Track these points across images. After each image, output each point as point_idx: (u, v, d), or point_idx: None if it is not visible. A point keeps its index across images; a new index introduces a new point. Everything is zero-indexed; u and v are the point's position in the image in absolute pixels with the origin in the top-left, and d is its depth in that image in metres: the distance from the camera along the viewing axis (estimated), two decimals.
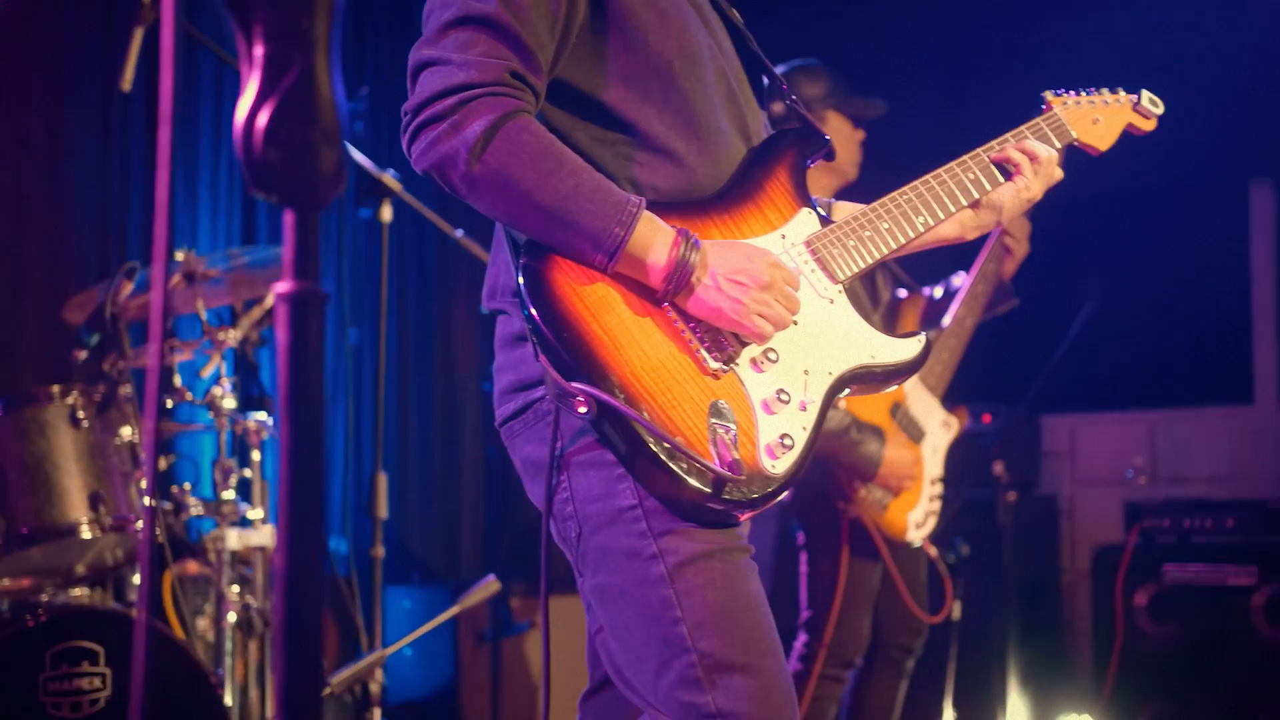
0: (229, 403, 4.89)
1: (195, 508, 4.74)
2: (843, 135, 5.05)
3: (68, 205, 6.27)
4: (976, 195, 2.96)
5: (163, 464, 5.13)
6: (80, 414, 4.38)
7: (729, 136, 2.78)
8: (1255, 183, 6.92)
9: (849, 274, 2.79)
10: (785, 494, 2.59)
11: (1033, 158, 2.97)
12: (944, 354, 5.09)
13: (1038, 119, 3.10)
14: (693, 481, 2.44)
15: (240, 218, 6.77)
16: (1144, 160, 6.74)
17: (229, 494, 4.85)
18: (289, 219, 1.47)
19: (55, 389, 4.40)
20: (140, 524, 4.45)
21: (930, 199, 2.92)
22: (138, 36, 4.79)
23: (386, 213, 5.08)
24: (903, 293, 5.31)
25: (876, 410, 4.97)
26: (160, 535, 4.51)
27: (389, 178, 5.11)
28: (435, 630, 6.20)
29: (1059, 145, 3.09)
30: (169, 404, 5.02)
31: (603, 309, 2.53)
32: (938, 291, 5.26)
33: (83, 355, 4.62)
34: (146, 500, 4.27)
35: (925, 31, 7.14)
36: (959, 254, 5.09)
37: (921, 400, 5.08)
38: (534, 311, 2.50)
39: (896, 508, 4.98)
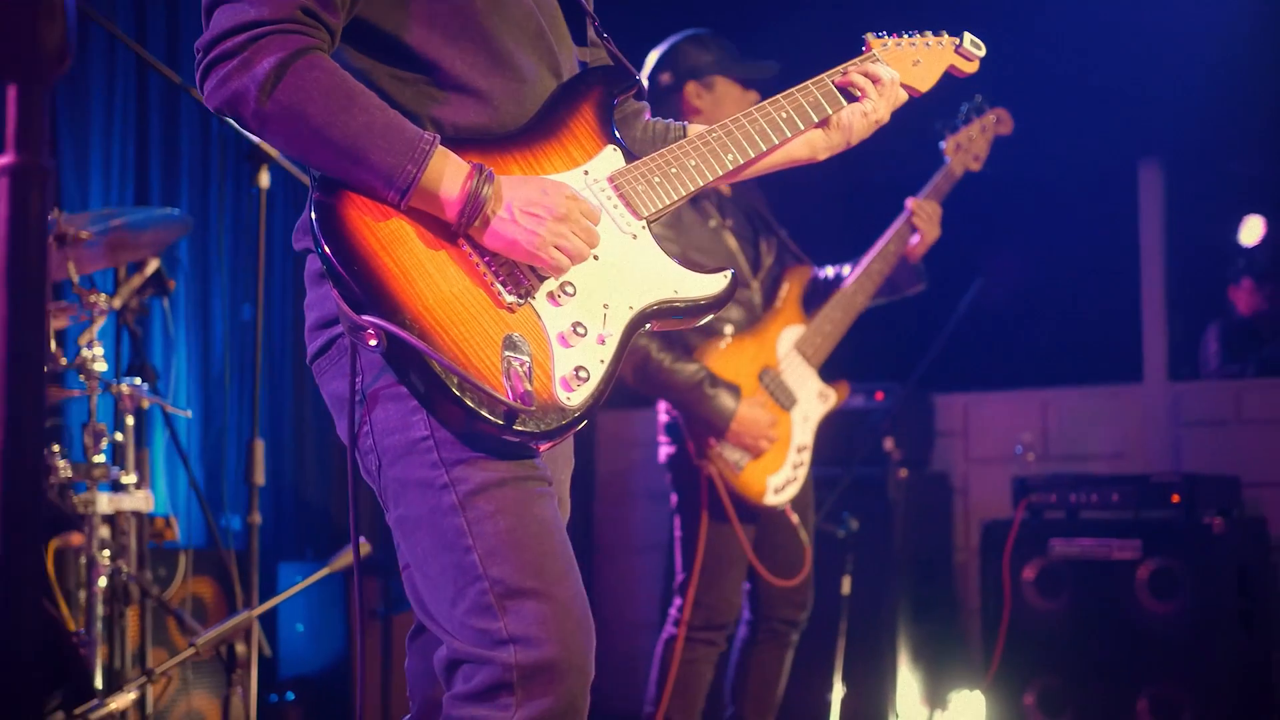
0: (99, 366, 4.85)
1: (64, 470, 4.69)
2: (732, 99, 5.10)
3: None
4: (816, 118, 3.01)
5: None
6: None
7: (536, 74, 2.80)
8: (1143, 161, 6.97)
9: (653, 210, 2.81)
10: (583, 424, 2.61)
11: (875, 80, 3.04)
12: (826, 326, 5.10)
13: (857, 59, 3.14)
14: (484, 413, 2.46)
15: (134, 184, 6.71)
16: (1035, 139, 6.83)
17: (99, 458, 4.81)
18: (11, 93, 1.45)
19: None
20: None
21: (754, 131, 2.96)
22: None
23: (264, 179, 5.04)
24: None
25: (743, 371, 5.01)
26: None
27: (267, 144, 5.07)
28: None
29: None
30: (44, 369, 4.96)
31: (396, 243, 2.53)
32: (829, 271, 5.28)
33: None
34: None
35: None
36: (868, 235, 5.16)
37: (796, 368, 5.08)
38: (325, 246, 2.50)
39: (755, 469, 4.97)
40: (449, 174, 2.54)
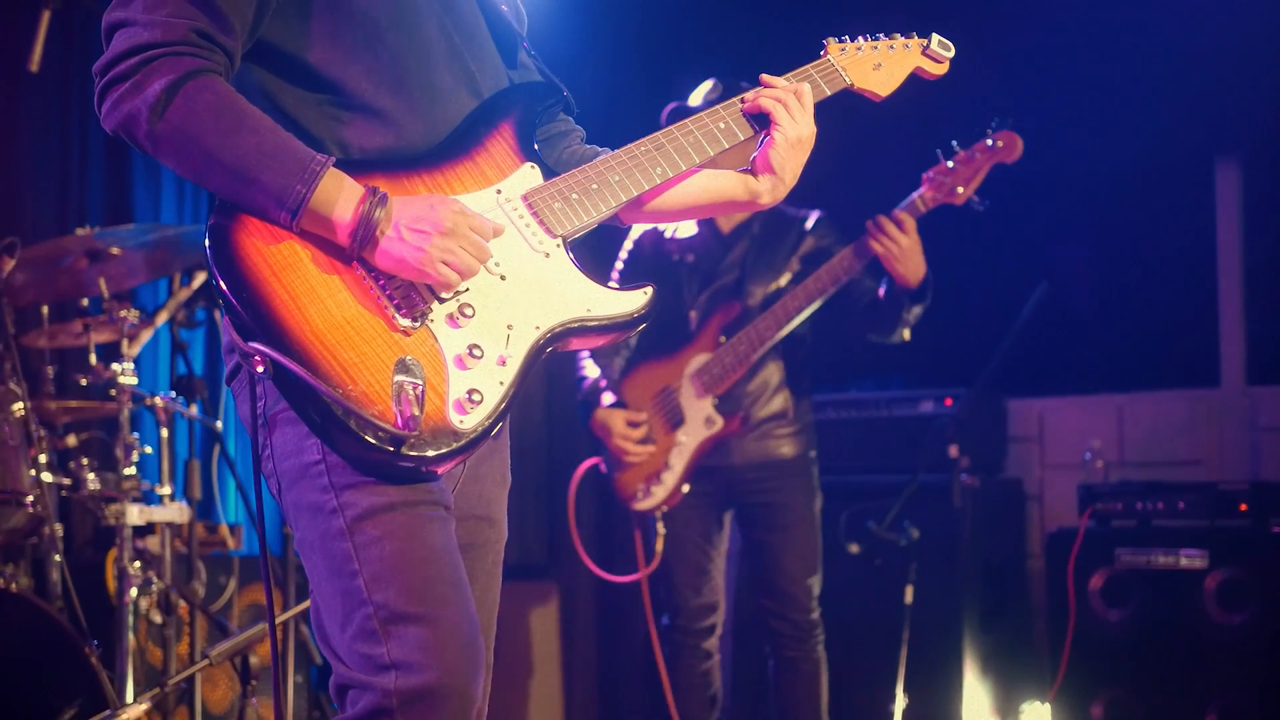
0: (129, 380, 4.93)
1: (93, 483, 4.78)
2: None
3: (25, 177, 6.35)
4: (726, 144, 2.95)
5: (73, 441, 5.18)
6: None
7: (450, 93, 2.78)
8: (1221, 161, 6.78)
9: (569, 227, 2.78)
10: (482, 445, 2.58)
11: (781, 103, 2.95)
12: (727, 357, 5.29)
13: (808, 65, 3.08)
14: (368, 438, 2.45)
15: (208, 196, 6.78)
16: (1109, 139, 6.69)
17: (130, 470, 4.89)
18: None
19: None
20: (32, 498, 4.52)
21: (672, 150, 2.91)
22: (45, 18, 4.87)
23: None
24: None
25: (644, 387, 5.43)
26: (48, 510, 4.55)
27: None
28: None
29: (829, 91, 3.07)
30: (83, 382, 5.08)
31: (287, 268, 2.53)
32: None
33: None
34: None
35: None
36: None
37: (691, 393, 5.35)
38: (216, 272, 2.52)
39: (626, 476, 5.40)
40: (343, 197, 2.53)
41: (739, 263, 5.42)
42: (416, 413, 2.45)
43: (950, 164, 5.02)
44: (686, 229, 5.49)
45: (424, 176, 2.70)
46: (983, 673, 6.39)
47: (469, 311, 2.62)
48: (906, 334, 5.32)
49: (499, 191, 2.76)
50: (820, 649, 5.44)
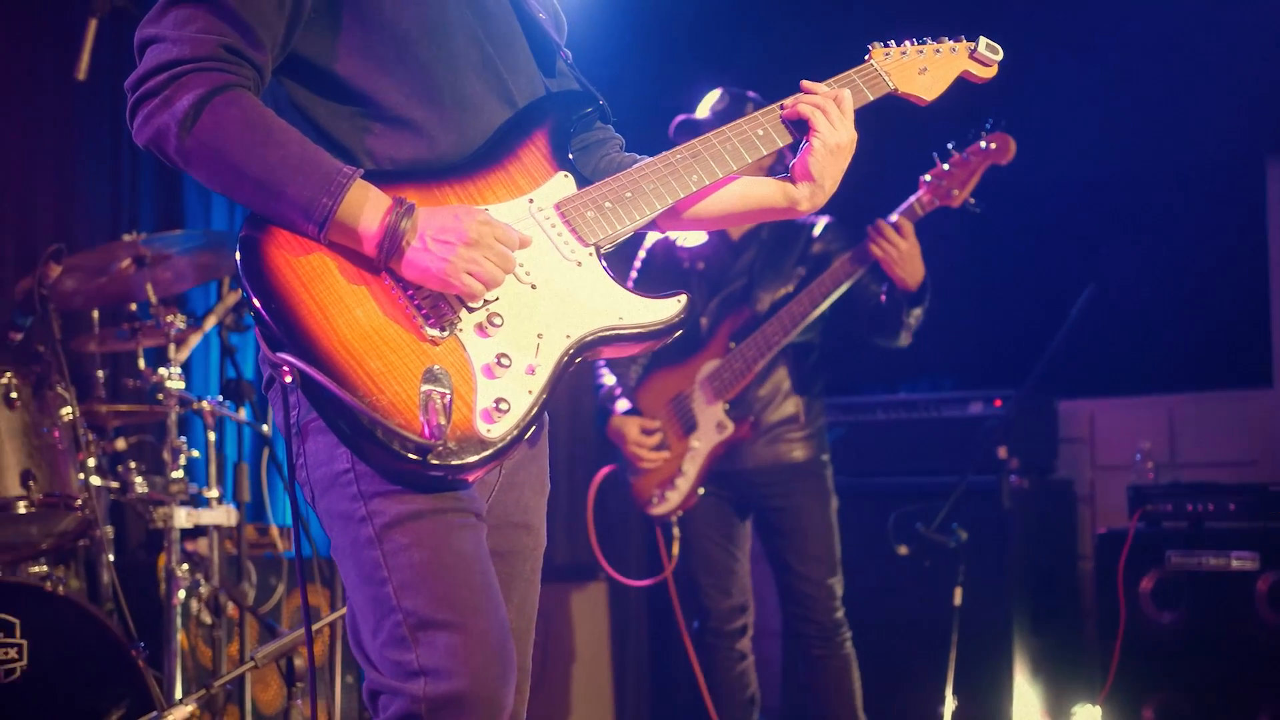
0: (175, 384, 4.98)
1: (140, 487, 4.83)
2: None
3: (79, 184, 6.42)
4: (765, 150, 2.94)
5: (122, 444, 5.24)
6: (14, 394, 4.50)
7: (482, 103, 2.79)
8: (1272, 160, 6.71)
9: (601, 235, 2.78)
10: (511, 453, 2.59)
11: (821, 109, 2.93)
12: (737, 363, 5.33)
13: (851, 70, 3.07)
14: (395, 447, 2.46)
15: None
16: (1159, 139, 6.65)
17: (178, 473, 4.94)
18: None
19: None
20: (81, 501, 4.57)
21: (708, 157, 2.91)
22: (92, 27, 4.92)
23: None
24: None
25: (658, 394, 5.49)
26: (96, 514, 4.60)
27: None
28: None
29: (872, 96, 3.06)
30: (132, 386, 5.14)
31: (316, 279, 2.55)
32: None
33: (18, 337, 4.74)
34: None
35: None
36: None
37: (702, 398, 5.40)
38: (246, 283, 2.54)
39: (643, 481, 5.47)
40: (369, 208, 2.54)
41: (747, 269, 5.46)
42: (443, 422, 2.46)
43: (946, 167, 5.05)
44: (697, 236, 5.53)
45: (455, 186, 2.71)
46: (1033, 675, 6.36)
47: (498, 320, 2.63)
48: (907, 338, 5.33)
49: (531, 200, 2.77)
50: (848, 645, 5.45)
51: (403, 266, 2.57)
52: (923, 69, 3.14)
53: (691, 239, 5.54)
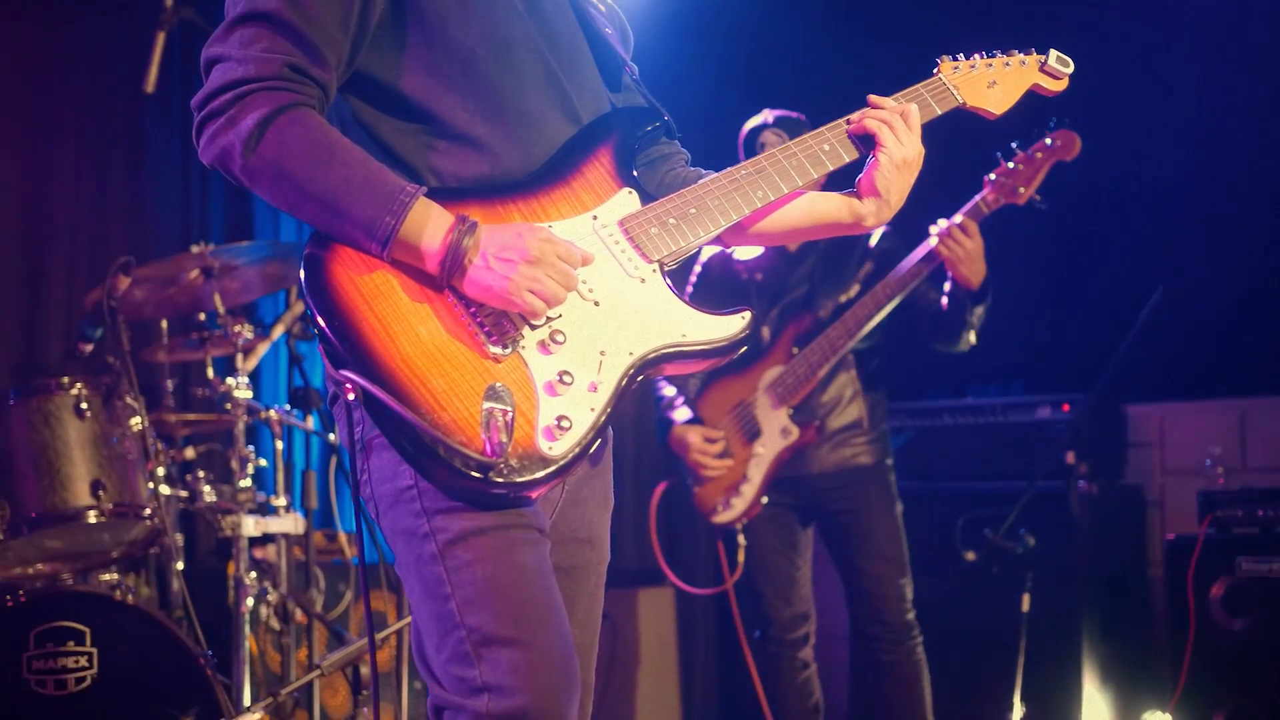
0: (243, 394, 5.03)
1: (209, 495, 4.89)
2: None
3: (149, 196, 6.49)
4: (831, 166, 2.94)
5: (191, 453, 5.29)
6: (84, 405, 4.57)
7: (546, 120, 2.80)
8: None
9: (665, 252, 2.78)
10: (573, 470, 2.60)
11: (887, 124, 2.93)
12: (801, 368, 5.33)
13: (919, 84, 3.07)
14: (456, 465, 2.47)
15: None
16: (1229, 140, 6.59)
17: (246, 482, 4.99)
18: None
19: (64, 380, 4.60)
20: (150, 510, 4.63)
21: (774, 173, 2.90)
22: (160, 40, 4.97)
23: None
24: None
25: (720, 402, 5.49)
26: (165, 522, 4.66)
27: None
28: None
29: (940, 111, 3.06)
30: (201, 395, 5.20)
31: (379, 296, 2.57)
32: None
33: (88, 348, 4.81)
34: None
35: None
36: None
37: (766, 404, 5.41)
38: (310, 301, 2.56)
39: (707, 490, 5.46)
40: (431, 226, 2.55)
41: (808, 277, 5.47)
42: (505, 440, 2.48)
43: (1011, 165, 5.05)
44: (753, 250, 5.55)
45: (519, 203, 2.73)
46: (1102, 682, 6.32)
47: (560, 338, 2.64)
48: (972, 337, 5.32)
49: (595, 217, 2.77)
50: (920, 649, 5.44)
51: (465, 284, 2.58)
52: (992, 82, 3.13)
53: (749, 251, 5.55)
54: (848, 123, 2.97)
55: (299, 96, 2.58)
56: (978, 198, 5.09)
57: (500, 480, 2.49)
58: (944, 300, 5.25)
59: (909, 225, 5.33)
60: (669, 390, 5.62)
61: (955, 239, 5.05)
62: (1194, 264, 6.80)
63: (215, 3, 6.03)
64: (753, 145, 5.37)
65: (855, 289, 5.40)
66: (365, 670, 4.48)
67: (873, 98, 3.00)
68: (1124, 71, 6.78)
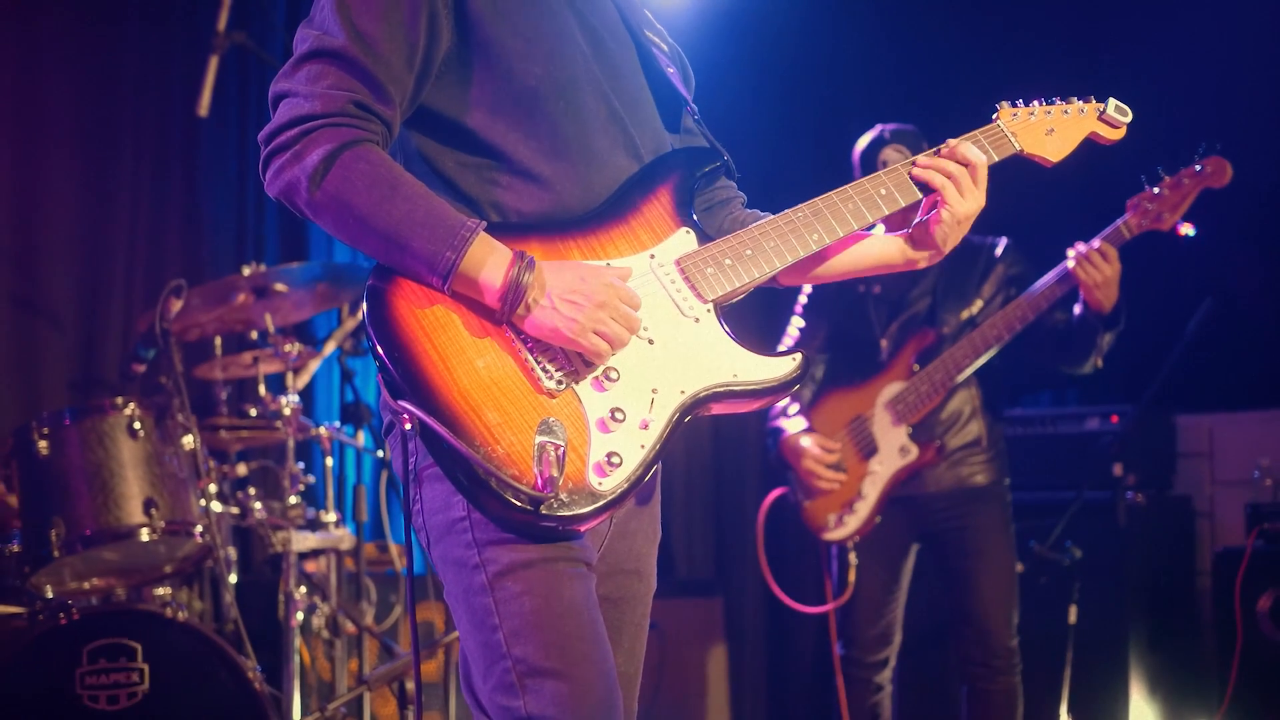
0: (293, 411, 5.12)
1: (259, 512, 4.98)
2: None
3: (206, 218, 6.60)
4: (887, 210, 2.96)
5: (243, 470, 5.39)
6: (137, 425, 4.67)
7: (607, 158, 2.85)
8: None
9: (720, 293, 2.82)
10: (623, 505, 2.65)
11: (954, 180, 2.94)
12: (923, 386, 5.28)
13: (977, 130, 3.07)
14: (507, 497, 2.52)
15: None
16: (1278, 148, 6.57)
17: (294, 499, 5.08)
18: None
19: (118, 400, 4.71)
20: (201, 528, 4.73)
21: (830, 216, 2.93)
22: (213, 64, 5.07)
23: None
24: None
25: (835, 416, 5.44)
26: (216, 539, 4.76)
27: None
28: None
29: (997, 158, 3.05)
30: (253, 413, 5.29)
31: (439, 329, 2.62)
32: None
33: (141, 369, 4.91)
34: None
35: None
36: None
37: (884, 421, 5.34)
38: (372, 332, 2.62)
39: (817, 505, 5.39)
40: (491, 261, 2.60)
41: (930, 290, 5.42)
42: (556, 474, 2.52)
43: (1156, 190, 4.98)
44: None
45: (578, 240, 2.77)
46: (1150, 693, 6.33)
47: (614, 375, 2.68)
48: (1099, 361, 5.30)
49: (652, 256, 2.81)
50: (1018, 679, 5.35)
51: (527, 323, 2.64)
52: (1050, 130, 3.13)
53: None
54: (914, 164, 2.99)
55: (363, 133, 2.64)
56: (1119, 222, 5.03)
57: (550, 514, 2.54)
58: (1071, 321, 5.22)
59: (1041, 248, 5.36)
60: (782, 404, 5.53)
61: (1094, 263, 5.00)
62: (1243, 274, 6.79)
63: (268, 27, 6.16)
64: (872, 162, 5.28)
65: (979, 305, 5.37)
66: (411, 685, 4.56)
67: (950, 142, 2.99)
68: (1175, 70, 6.78)
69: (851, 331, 5.46)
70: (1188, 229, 5.00)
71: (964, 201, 2.94)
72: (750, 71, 7.81)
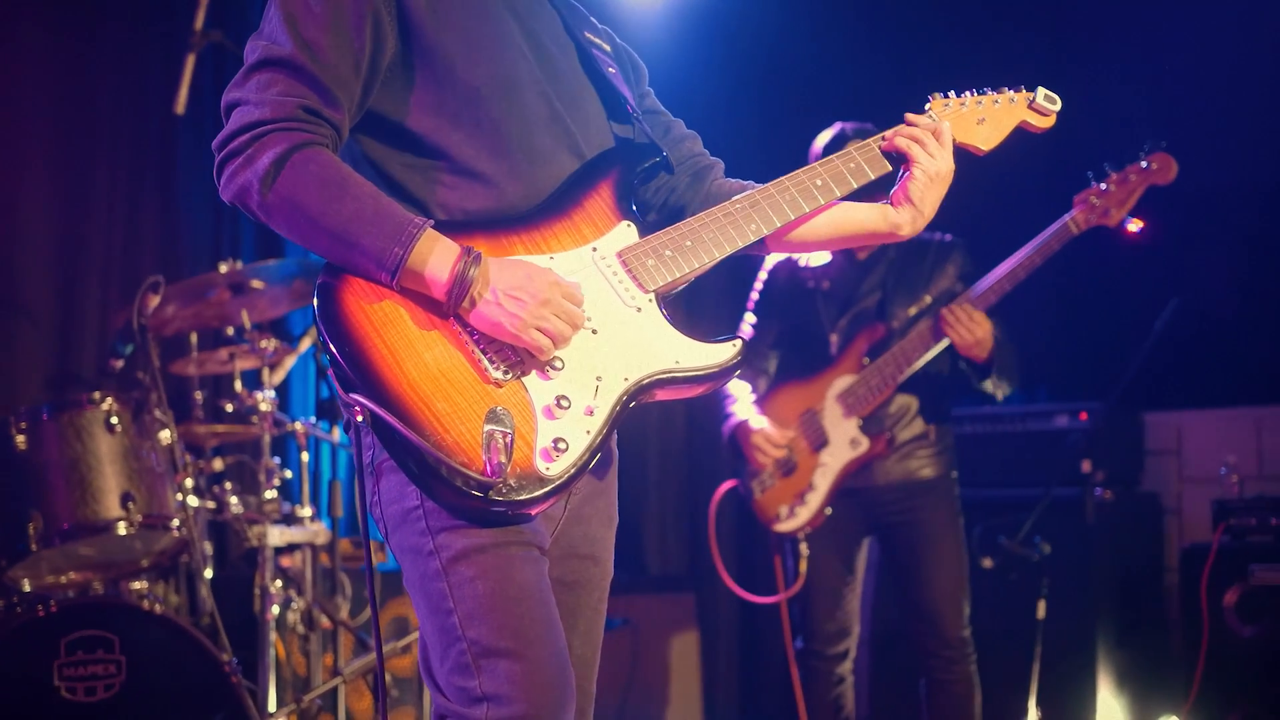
0: (269, 407, 5.16)
1: (236, 506, 5.02)
2: None
3: (182, 215, 6.62)
4: (855, 184, 3.07)
5: (219, 465, 5.43)
6: (115, 419, 4.72)
7: (550, 155, 2.94)
8: None
9: (661, 283, 2.90)
10: (569, 489, 2.73)
11: (919, 141, 3.06)
12: (873, 379, 5.31)
13: (911, 119, 3.15)
14: (458, 484, 2.60)
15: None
16: (1245, 147, 6.64)
17: (270, 494, 5.12)
18: None
19: (95, 395, 4.75)
20: (178, 522, 4.77)
21: (767, 206, 3.02)
22: (190, 62, 5.10)
23: None
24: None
25: (787, 408, 5.49)
26: (193, 533, 4.79)
27: None
28: None
29: None
30: (229, 408, 5.33)
31: (388, 324, 2.70)
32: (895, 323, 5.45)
33: (119, 364, 4.95)
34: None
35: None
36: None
37: (836, 414, 5.39)
38: (322, 328, 2.70)
39: (769, 496, 5.45)
40: (438, 257, 2.68)
41: (879, 285, 5.46)
42: (504, 460, 2.60)
43: (1103, 186, 5.03)
44: (820, 257, 5.56)
45: (522, 235, 2.86)
46: (1117, 688, 6.39)
47: (559, 364, 2.76)
48: (997, 395, 5.37)
49: (595, 249, 2.90)
50: (972, 668, 5.40)
51: (473, 317, 2.72)
52: (981, 119, 3.21)
53: (816, 258, 5.56)
54: (883, 139, 3.10)
55: (313, 136, 2.72)
56: (1067, 217, 5.07)
57: (500, 499, 2.61)
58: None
59: (991, 246, 5.40)
60: (734, 387, 5.58)
61: (965, 326, 5.10)
62: (1210, 274, 6.85)
63: (245, 25, 6.19)
64: None
65: (928, 299, 5.41)
66: (389, 679, 4.61)
67: (909, 115, 3.13)
68: (1137, 76, 6.85)
69: (802, 326, 5.52)
70: (1135, 224, 5.05)
71: (934, 160, 3.05)
72: (716, 67, 7.89)
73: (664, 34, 7.65)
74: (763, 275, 5.71)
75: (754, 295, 5.70)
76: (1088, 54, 7.01)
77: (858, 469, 5.37)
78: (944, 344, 5.23)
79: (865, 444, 5.34)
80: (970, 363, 5.24)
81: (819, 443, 5.40)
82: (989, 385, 5.30)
